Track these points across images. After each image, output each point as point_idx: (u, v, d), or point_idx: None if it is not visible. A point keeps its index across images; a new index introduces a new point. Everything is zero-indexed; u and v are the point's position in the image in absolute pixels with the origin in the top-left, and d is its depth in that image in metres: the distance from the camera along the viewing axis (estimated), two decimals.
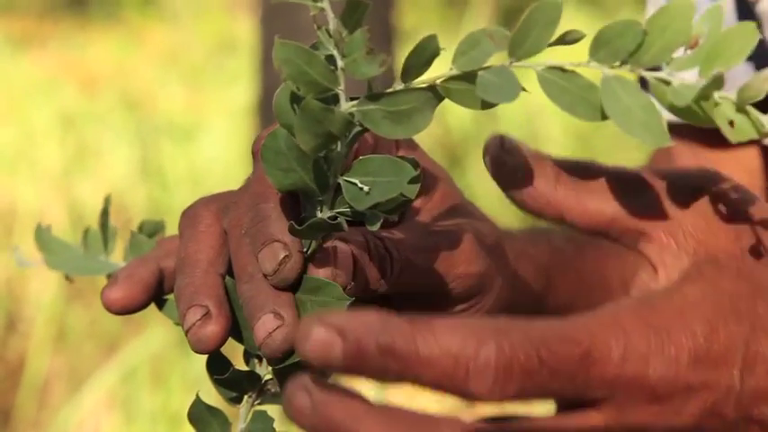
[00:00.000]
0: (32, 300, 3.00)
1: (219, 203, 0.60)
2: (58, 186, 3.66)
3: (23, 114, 4.31)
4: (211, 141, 3.94)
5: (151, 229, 0.66)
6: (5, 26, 5.80)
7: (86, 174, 3.80)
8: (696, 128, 0.80)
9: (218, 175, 3.68)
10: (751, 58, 0.75)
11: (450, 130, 4.08)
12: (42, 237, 0.66)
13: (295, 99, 0.53)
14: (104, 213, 0.65)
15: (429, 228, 0.61)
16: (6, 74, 4.88)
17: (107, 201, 0.65)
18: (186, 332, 0.57)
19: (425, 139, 3.94)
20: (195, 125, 4.14)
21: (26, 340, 2.89)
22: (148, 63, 5.20)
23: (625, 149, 3.79)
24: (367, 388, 2.46)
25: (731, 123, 0.48)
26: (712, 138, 0.81)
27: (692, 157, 0.83)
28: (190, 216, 0.60)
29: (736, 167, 0.81)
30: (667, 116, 0.80)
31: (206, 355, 0.58)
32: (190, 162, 3.74)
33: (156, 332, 2.60)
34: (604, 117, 0.50)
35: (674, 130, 0.82)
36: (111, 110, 4.42)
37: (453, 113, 4.17)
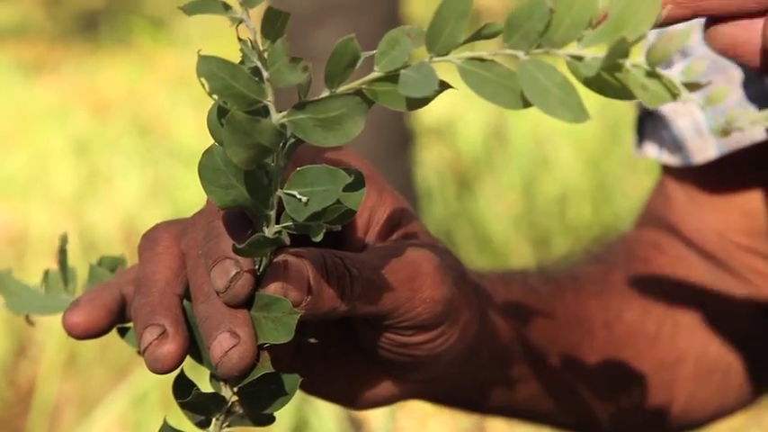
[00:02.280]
0: (43, 324, 3.00)
1: (179, 225, 0.60)
2: (70, 210, 3.67)
3: (36, 139, 4.32)
4: None
5: (111, 264, 0.66)
6: (17, 51, 5.83)
7: (98, 198, 3.80)
8: (691, 170, 0.80)
9: None
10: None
11: (461, 154, 4.08)
12: (3, 281, 0.66)
13: (223, 113, 0.53)
14: (62, 251, 0.65)
15: (392, 252, 0.60)
16: (18, 99, 4.90)
17: (64, 240, 0.65)
18: (143, 352, 0.56)
19: (436, 163, 3.94)
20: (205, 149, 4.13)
21: (37, 365, 2.89)
22: (160, 87, 5.21)
23: (635, 173, 3.79)
24: (377, 416, 2.45)
25: (645, 89, 0.49)
26: (707, 180, 0.81)
27: (685, 199, 0.83)
28: (149, 238, 0.60)
29: (731, 210, 0.81)
30: (656, 155, 0.80)
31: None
32: (200, 186, 3.73)
33: None
34: (526, 104, 0.50)
35: (670, 172, 0.83)
36: (122, 134, 4.43)
37: (464, 138, 4.18)
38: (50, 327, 2.94)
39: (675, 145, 0.80)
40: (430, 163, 3.83)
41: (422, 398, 0.69)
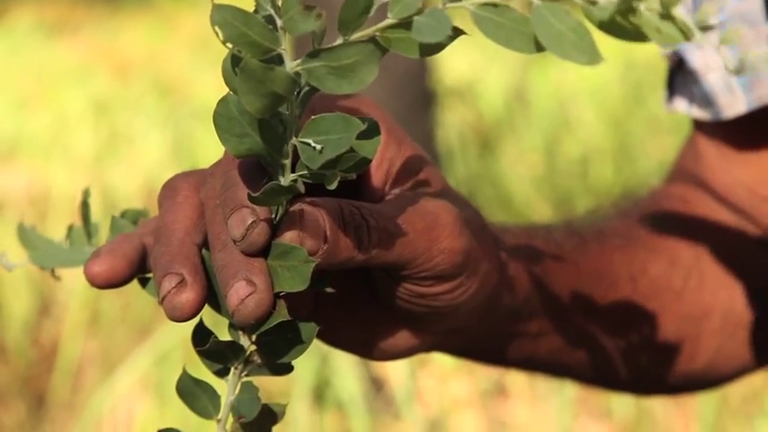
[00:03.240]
0: (66, 284, 3.02)
1: (198, 176, 0.60)
2: (92, 171, 3.68)
3: (57, 100, 4.33)
4: None
5: (134, 217, 0.66)
6: (39, 13, 5.83)
7: (119, 159, 3.81)
8: (723, 126, 0.80)
9: None
10: None
11: (482, 115, 4.07)
12: (25, 235, 0.66)
13: (237, 62, 0.52)
14: (85, 205, 0.65)
15: (410, 202, 0.60)
16: (40, 60, 4.91)
17: (86, 193, 0.65)
18: (161, 300, 0.56)
19: (457, 124, 3.94)
20: None
21: (60, 324, 2.90)
22: (180, 49, 5.21)
23: (658, 134, 3.77)
24: (398, 375, 2.46)
25: (659, 31, 0.49)
26: (738, 135, 0.80)
27: (715, 154, 0.82)
28: (169, 188, 0.60)
29: (761, 165, 0.80)
30: (686, 110, 0.80)
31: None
32: (221, 147, 3.73)
33: None
34: (539, 48, 0.51)
35: (700, 127, 0.82)
36: (143, 95, 4.44)
37: (485, 99, 4.16)
38: (73, 286, 2.95)
39: (705, 100, 0.79)
40: (451, 124, 3.82)
41: (441, 350, 0.69)
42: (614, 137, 3.78)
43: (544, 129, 3.84)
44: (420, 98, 2.98)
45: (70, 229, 0.66)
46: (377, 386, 2.60)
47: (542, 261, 0.71)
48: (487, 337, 0.70)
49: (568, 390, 2.48)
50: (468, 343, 0.70)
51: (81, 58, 5.05)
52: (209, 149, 3.72)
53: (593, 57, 0.49)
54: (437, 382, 2.66)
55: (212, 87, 4.49)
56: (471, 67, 4.44)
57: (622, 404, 2.51)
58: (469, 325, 0.66)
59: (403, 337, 0.65)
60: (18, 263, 0.66)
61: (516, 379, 2.60)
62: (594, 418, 2.57)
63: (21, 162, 3.82)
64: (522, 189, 3.50)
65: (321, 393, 2.49)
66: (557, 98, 4.05)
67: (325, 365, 2.51)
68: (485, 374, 2.65)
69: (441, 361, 2.66)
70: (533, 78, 4.27)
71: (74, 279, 2.98)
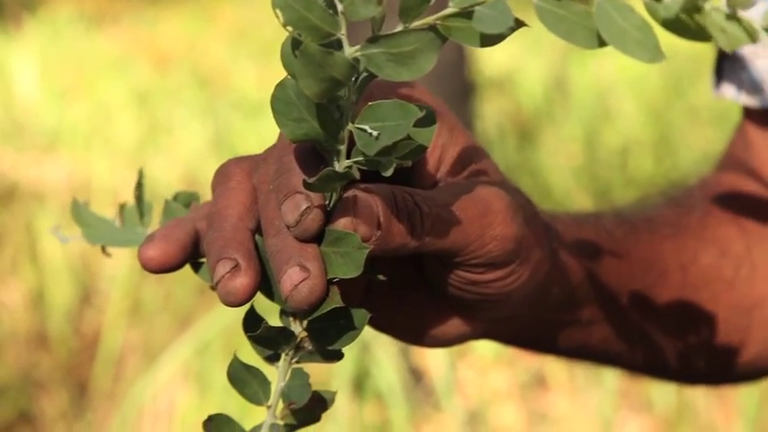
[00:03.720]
0: (107, 274, 3.03)
1: (251, 161, 0.61)
2: (132, 162, 3.70)
3: (97, 91, 4.35)
4: None
5: (186, 200, 0.66)
6: (79, 3, 5.86)
7: (159, 149, 3.83)
8: None
9: None
10: None
11: (522, 107, 4.06)
12: (79, 211, 0.66)
13: (296, 45, 0.53)
14: (139, 186, 0.66)
15: (463, 189, 0.60)
16: (80, 51, 4.93)
17: (141, 174, 0.66)
18: (215, 285, 0.57)
19: (496, 115, 3.93)
20: (266, 100, 4.12)
21: (102, 314, 2.92)
22: (219, 39, 5.22)
23: (699, 124, 3.75)
24: (438, 366, 2.46)
25: (723, 32, 0.48)
26: None
27: (766, 142, 0.82)
28: (222, 173, 0.60)
29: None
30: (734, 97, 0.79)
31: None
32: (260, 137, 3.75)
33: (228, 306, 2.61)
34: (601, 43, 0.50)
35: (751, 115, 0.82)
36: (182, 86, 4.45)
37: (525, 89, 4.15)
38: (115, 275, 2.97)
39: (754, 86, 0.78)
40: (490, 115, 3.82)
41: (491, 337, 0.69)
42: (654, 128, 3.76)
43: (583, 119, 3.82)
44: (459, 89, 2.98)
45: (122, 207, 0.66)
46: (416, 377, 2.60)
47: (593, 249, 0.70)
48: (538, 325, 0.70)
49: (609, 382, 2.47)
50: (518, 331, 0.70)
51: (121, 49, 5.07)
52: (248, 139, 3.73)
53: (655, 54, 0.49)
54: (477, 374, 2.65)
55: (251, 78, 4.50)
56: (511, 57, 4.43)
57: (664, 397, 2.50)
58: (520, 313, 0.66)
59: (453, 325, 0.65)
60: (71, 237, 0.66)
61: (556, 371, 2.60)
62: (635, 410, 2.56)
63: (62, 153, 3.85)
64: (562, 180, 3.49)
65: (360, 384, 2.50)
66: (596, 89, 4.03)
67: (365, 356, 2.51)
68: (525, 366, 2.65)
69: (481, 352, 2.66)
70: (573, 69, 4.25)
71: (115, 268, 2.99)
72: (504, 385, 2.63)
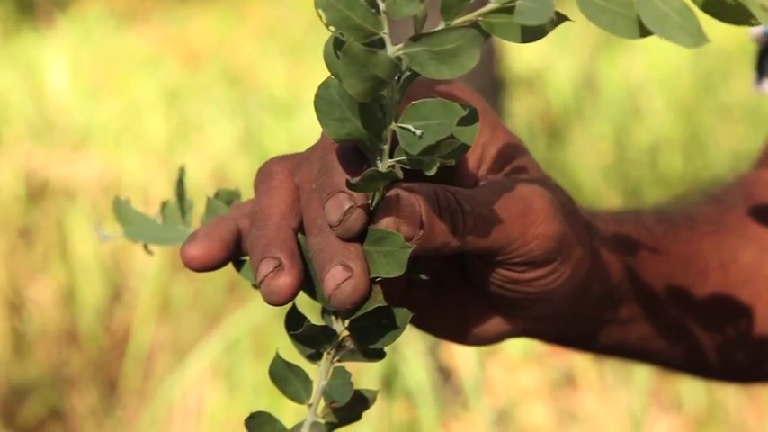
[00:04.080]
0: (137, 271, 3.04)
1: (293, 159, 0.61)
2: (162, 159, 3.71)
3: (128, 88, 4.36)
4: (311, 115, 3.94)
5: (228, 197, 0.66)
6: (110, 1, 5.88)
7: (189, 147, 3.84)
8: None
9: None
10: None
11: (551, 105, 4.05)
12: (121, 209, 0.67)
13: (339, 45, 0.53)
14: (180, 184, 0.66)
15: (504, 187, 0.60)
16: (111, 49, 4.95)
17: (182, 171, 0.66)
18: (259, 284, 0.57)
19: (526, 113, 3.92)
20: (295, 99, 4.16)
21: (131, 311, 2.93)
22: (249, 37, 5.23)
23: (729, 122, 3.73)
24: (467, 365, 2.46)
25: (765, 9, 0.48)
26: None
27: None
28: (264, 172, 0.61)
29: None
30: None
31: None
32: (290, 135, 3.76)
33: (258, 304, 2.62)
34: (643, 33, 0.50)
35: None
36: (212, 84, 4.46)
37: (554, 87, 4.14)
38: (145, 273, 2.98)
39: None
40: (520, 113, 3.81)
41: (531, 335, 0.69)
42: (684, 126, 3.74)
43: (613, 118, 3.81)
44: (489, 87, 2.97)
45: (164, 205, 0.66)
46: (445, 376, 2.60)
47: (632, 247, 0.70)
48: (578, 323, 0.70)
49: (639, 381, 2.46)
50: (558, 329, 0.70)
51: (151, 47, 5.09)
52: (278, 137, 3.73)
53: (698, 38, 0.49)
54: (506, 372, 2.65)
55: (281, 76, 4.51)
56: (540, 55, 4.41)
57: (694, 396, 2.49)
58: (561, 311, 0.66)
59: (494, 323, 0.65)
60: (112, 235, 0.67)
61: (586, 369, 2.59)
62: (665, 409, 2.55)
63: (92, 150, 3.86)
64: (591, 178, 3.48)
65: (390, 382, 2.50)
66: (626, 87, 4.02)
67: (394, 354, 2.51)
68: (554, 365, 2.64)
69: (510, 351, 2.65)
70: (602, 67, 4.24)
71: (145, 266, 3.01)
72: (533, 384, 2.62)
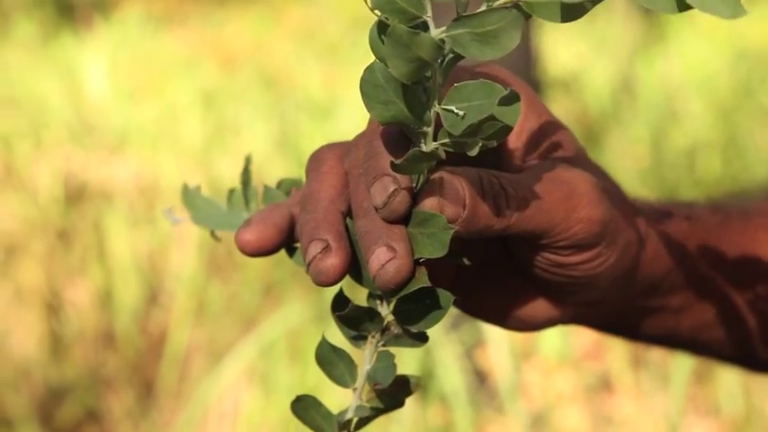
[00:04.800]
0: (173, 274, 3.06)
1: (343, 147, 0.62)
2: (199, 161, 3.72)
3: (165, 91, 4.38)
4: (347, 117, 3.96)
5: (288, 187, 0.68)
6: (148, 5, 5.91)
7: (225, 149, 3.85)
8: None
9: None
10: None
11: (588, 108, 4.04)
12: (189, 195, 0.68)
13: (383, 29, 0.54)
14: (246, 171, 0.67)
15: (548, 171, 0.61)
16: (148, 52, 4.98)
17: (248, 160, 0.67)
18: (307, 265, 0.58)
19: (563, 116, 3.90)
20: (331, 101, 4.16)
21: (168, 314, 2.94)
22: (286, 40, 5.24)
23: (767, 126, 3.71)
24: (502, 368, 2.45)
25: None
26: None
27: None
28: (315, 159, 0.62)
29: None
30: None
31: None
32: (326, 137, 3.76)
33: (293, 307, 2.63)
34: (681, 7, 0.50)
35: None
36: (249, 87, 4.47)
37: (591, 90, 4.13)
38: (181, 275, 2.99)
39: None
40: (557, 115, 3.79)
41: (580, 322, 0.70)
42: (723, 129, 3.72)
43: (651, 121, 3.79)
44: None
45: (231, 192, 0.68)
46: (480, 379, 2.59)
47: (684, 235, 0.70)
48: (627, 310, 0.70)
49: (676, 385, 2.45)
50: (607, 317, 0.70)
51: (188, 50, 5.11)
52: (314, 139, 3.74)
53: (736, 10, 0.49)
54: (541, 376, 2.64)
55: (317, 78, 4.51)
56: (577, 58, 4.40)
57: (731, 400, 2.48)
58: (609, 297, 0.66)
59: (542, 308, 0.66)
60: (181, 219, 0.68)
61: (622, 374, 2.58)
62: (702, 414, 2.54)
63: (130, 152, 3.88)
64: (629, 181, 3.46)
65: (424, 386, 2.49)
66: (664, 89, 4.00)
67: (429, 357, 2.51)
68: (590, 369, 2.63)
69: (545, 354, 2.64)
70: (640, 69, 4.22)
71: (181, 268, 3.02)
72: (568, 388, 2.61)
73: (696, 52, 4.30)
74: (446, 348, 2.49)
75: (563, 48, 4.43)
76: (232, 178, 3.51)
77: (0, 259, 3.15)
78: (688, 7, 0.50)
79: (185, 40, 5.33)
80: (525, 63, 2.97)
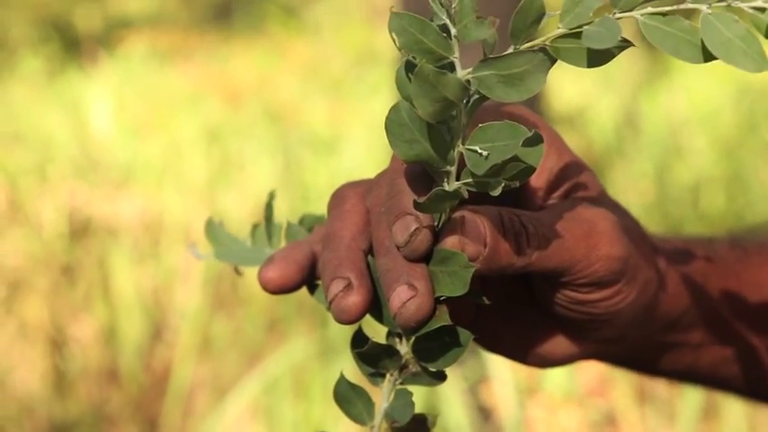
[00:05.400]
0: (178, 309, 3.06)
1: (365, 185, 0.63)
2: (203, 197, 3.73)
3: (170, 126, 4.40)
4: (352, 152, 3.97)
5: (311, 224, 0.68)
6: (153, 40, 5.93)
7: (230, 185, 3.85)
8: None
9: None
10: None
11: (593, 142, 4.04)
12: (212, 229, 0.69)
13: (410, 68, 0.55)
14: (269, 207, 0.68)
15: (568, 209, 0.61)
16: (154, 86, 4.99)
17: (271, 196, 0.68)
18: (329, 303, 0.59)
19: None
20: (336, 136, 4.17)
21: (172, 349, 2.94)
22: (290, 75, 5.26)
23: None
24: (506, 404, 2.45)
25: None
26: None
27: None
28: (337, 197, 0.63)
29: None
30: None
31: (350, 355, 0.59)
32: (331, 173, 3.77)
33: (298, 343, 2.62)
34: (707, 58, 0.51)
35: None
36: (254, 122, 4.48)
37: (595, 125, 4.13)
38: (185, 311, 2.99)
39: None
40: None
41: (600, 358, 0.70)
42: (727, 165, 3.72)
43: (655, 156, 3.80)
44: None
45: (254, 228, 0.68)
46: (485, 415, 2.58)
47: (703, 272, 0.71)
48: (647, 346, 0.70)
49: (682, 422, 2.44)
50: (626, 352, 0.70)
51: (193, 85, 5.12)
52: (319, 175, 3.75)
53: (761, 63, 0.50)
54: (546, 412, 2.63)
55: (322, 114, 4.53)
56: (582, 93, 4.41)
57: None
58: (628, 334, 0.66)
59: (562, 345, 0.66)
60: (204, 255, 0.69)
61: (627, 410, 2.57)
62: None
63: (135, 188, 3.89)
64: (638, 215, 3.46)
65: None
66: (668, 125, 4.01)
67: (433, 393, 2.50)
68: (595, 405, 2.63)
69: (550, 390, 2.64)
70: (644, 105, 4.23)
71: (185, 303, 3.01)
72: (573, 424, 2.60)
73: (700, 88, 4.31)
74: (450, 384, 2.48)
75: (568, 83, 4.45)
76: (237, 213, 3.52)
77: (4, 295, 3.15)
78: (713, 58, 0.51)
79: (190, 76, 5.35)
80: (530, 98, 2.98)
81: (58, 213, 3.56)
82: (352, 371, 0.64)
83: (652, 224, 3.42)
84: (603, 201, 0.64)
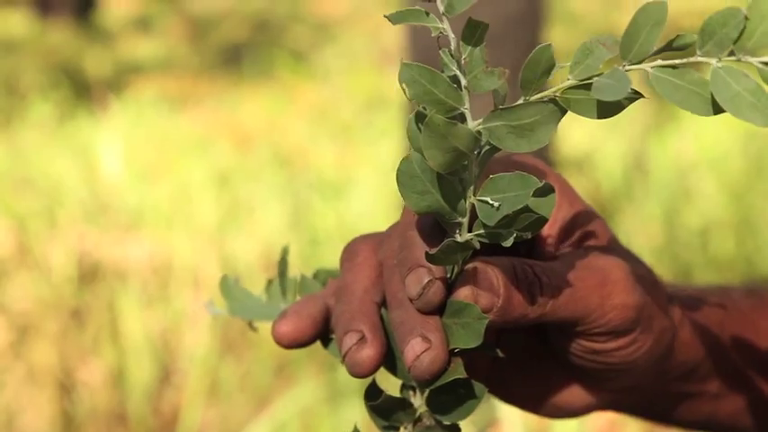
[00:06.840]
0: (186, 352, 3.05)
1: (377, 238, 0.63)
2: (213, 241, 3.73)
3: (179, 170, 4.41)
4: (361, 197, 3.97)
5: (325, 278, 0.68)
6: (163, 85, 5.96)
7: (239, 228, 3.86)
8: None
9: (367, 230, 3.67)
10: None
11: (601, 186, 4.04)
12: (227, 285, 0.69)
13: (421, 118, 0.55)
14: (282, 262, 0.68)
15: (582, 259, 0.61)
16: (164, 131, 5.01)
17: (285, 250, 0.68)
18: (343, 357, 0.59)
19: None
20: (345, 181, 4.18)
21: (180, 392, 2.93)
22: (299, 120, 5.28)
23: None
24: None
25: None
26: None
27: None
28: (349, 250, 0.63)
29: None
30: None
31: (364, 403, 0.59)
32: (339, 217, 3.77)
33: (306, 386, 2.62)
34: (716, 111, 0.52)
35: None
36: (263, 166, 4.49)
37: (603, 169, 4.14)
38: (193, 355, 2.98)
39: None
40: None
41: (617, 408, 0.70)
42: (735, 209, 3.72)
43: (663, 199, 3.80)
44: None
45: (269, 283, 0.68)
46: None
47: (719, 321, 0.70)
48: (664, 396, 0.70)
49: None
50: (643, 402, 0.70)
51: (202, 130, 5.14)
52: (327, 219, 3.75)
53: None
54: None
55: (330, 158, 4.54)
56: (589, 137, 4.42)
57: None
58: (645, 383, 0.66)
59: (578, 395, 0.66)
60: (219, 311, 0.69)
61: None
62: None
63: (144, 232, 3.89)
64: (646, 259, 3.45)
65: None
66: (676, 168, 4.01)
67: None
68: None
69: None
70: (652, 148, 4.23)
71: (194, 347, 3.01)
72: None
73: (708, 131, 4.32)
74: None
75: (575, 126, 4.46)
76: (246, 257, 3.52)
77: (13, 339, 3.15)
78: (722, 111, 0.51)
79: (199, 120, 5.37)
80: None
81: (67, 257, 3.56)
82: (363, 420, 0.64)
83: (661, 268, 3.41)
84: (616, 249, 0.64)
